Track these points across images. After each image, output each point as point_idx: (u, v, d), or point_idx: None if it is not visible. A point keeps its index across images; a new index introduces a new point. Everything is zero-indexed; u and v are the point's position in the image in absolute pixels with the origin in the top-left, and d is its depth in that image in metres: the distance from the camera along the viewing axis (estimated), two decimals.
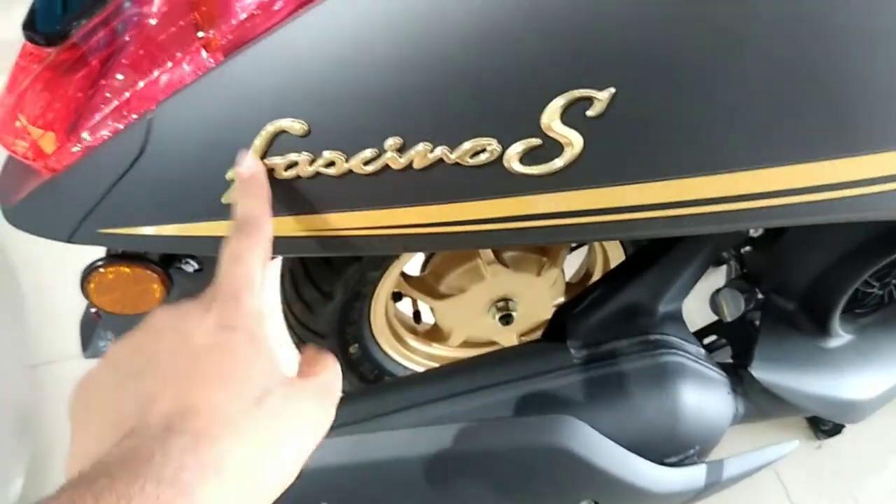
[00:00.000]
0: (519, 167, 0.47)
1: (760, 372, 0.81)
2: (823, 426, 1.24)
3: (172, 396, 0.32)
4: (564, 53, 0.44)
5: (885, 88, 0.48)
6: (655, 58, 0.44)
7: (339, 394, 0.39)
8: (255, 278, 0.40)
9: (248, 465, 0.32)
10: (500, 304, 1.02)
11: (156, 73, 0.52)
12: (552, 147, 0.46)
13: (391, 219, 0.49)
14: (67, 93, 0.56)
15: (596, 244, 1.08)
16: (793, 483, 1.19)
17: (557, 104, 0.45)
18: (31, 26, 0.55)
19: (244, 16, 0.49)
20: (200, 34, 0.51)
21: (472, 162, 0.46)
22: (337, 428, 0.71)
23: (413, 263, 1.08)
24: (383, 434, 0.69)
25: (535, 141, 0.46)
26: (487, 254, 0.96)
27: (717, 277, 1.21)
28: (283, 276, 0.94)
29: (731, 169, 0.48)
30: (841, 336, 0.89)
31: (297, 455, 0.35)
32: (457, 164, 0.47)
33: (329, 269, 0.86)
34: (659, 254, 0.78)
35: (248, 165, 0.47)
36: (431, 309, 1.06)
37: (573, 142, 0.46)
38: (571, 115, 0.45)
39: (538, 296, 1.03)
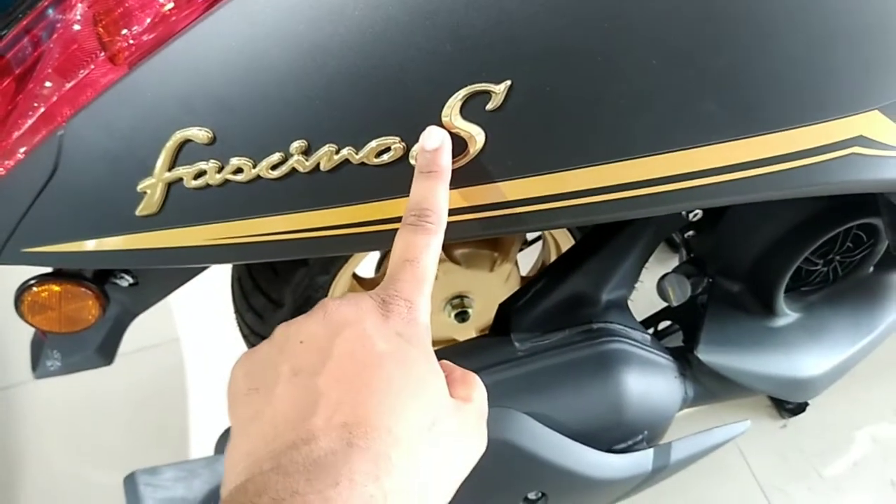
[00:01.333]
0: None
1: (707, 354, 0.81)
2: (787, 405, 1.26)
3: (352, 404, 0.31)
4: (459, 49, 0.44)
5: (799, 64, 0.49)
6: (548, 48, 0.45)
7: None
8: (430, 280, 0.38)
9: (409, 493, 0.31)
10: (455, 301, 1.02)
11: (69, 86, 0.52)
12: (456, 142, 0.46)
13: (305, 222, 0.49)
14: None
15: (548, 236, 1.09)
16: (758, 462, 1.20)
17: (456, 99, 0.45)
18: None
19: (147, 24, 0.50)
20: (106, 45, 0.51)
21: (377, 161, 0.47)
22: None
23: (367, 265, 1.09)
24: None
25: None
26: None
27: (675, 263, 1.22)
28: (232, 285, 0.94)
29: (640, 154, 0.48)
30: (788, 315, 0.90)
31: (454, 483, 0.34)
32: (363, 163, 0.47)
33: (276, 277, 0.86)
34: (599, 243, 0.78)
35: (433, 139, 0.43)
36: None
37: (475, 136, 0.46)
38: (471, 110, 0.45)
39: (493, 291, 1.03)
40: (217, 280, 0.89)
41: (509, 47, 0.44)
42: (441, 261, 0.97)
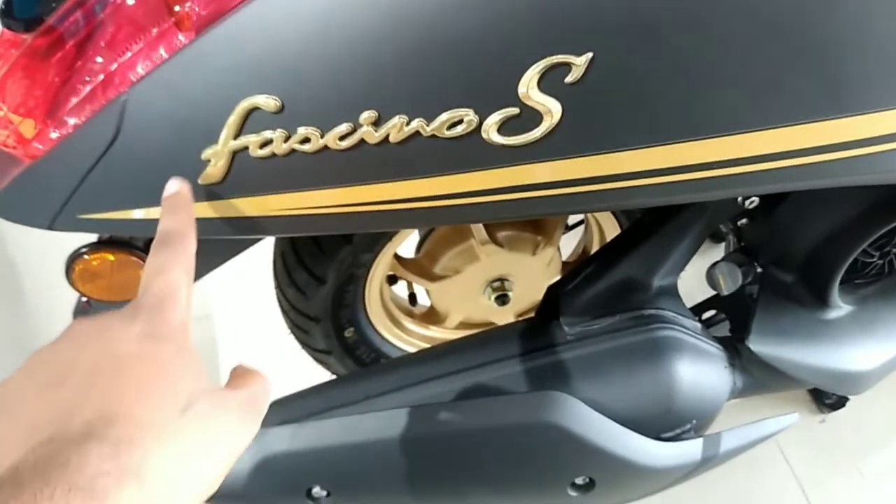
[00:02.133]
0: (498, 138, 0.46)
1: (758, 345, 0.80)
2: (827, 399, 1.23)
3: (95, 404, 0.31)
4: (540, 19, 0.43)
5: (880, 46, 0.47)
6: (633, 21, 0.43)
7: (265, 408, 0.39)
8: (180, 291, 0.39)
9: (170, 473, 0.31)
10: (496, 284, 1.01)
11: (129, 54, 0.52)
12: (531, 116, 0.45)
13: (369, 195, 0.48)
14: (46, 78, 0.56)
15: (591, 221, 1.07)
16: (796, 457, 1.19)
17: (534, 72, 0.44)
18: (9, 13, 0.54)
19: None
20: (173, 11, 0.50)
21: (449, 134, 0.45)
22: (330, 410, 0.71)
23: (407, 245, 1.08)
24: (376, 415, 0.69)
25: (513, 110, 0.45)
26: (481, 234, 0.95)
27: (718, 254, 1.19)
28: (274, 260, 0.93)
29: (716, 134, 0.47)
30: (840, 307, 0.88)
31: (218, 466, 0.35)
32: (434, 136, 0.46)
33: (320, 253, 0.85)
34: (652, 228, 0.76)
35: (172, 186, 0.46)
36: (427, 291, 1.06)
37: (552, 110, 0.45)
38: (549, 83, 0.44)
39: (534, 275, 1.02)
40: (250, 258, 0.88)
41: (593, 18, 0.43)
42: (483, 243, 0.96)
